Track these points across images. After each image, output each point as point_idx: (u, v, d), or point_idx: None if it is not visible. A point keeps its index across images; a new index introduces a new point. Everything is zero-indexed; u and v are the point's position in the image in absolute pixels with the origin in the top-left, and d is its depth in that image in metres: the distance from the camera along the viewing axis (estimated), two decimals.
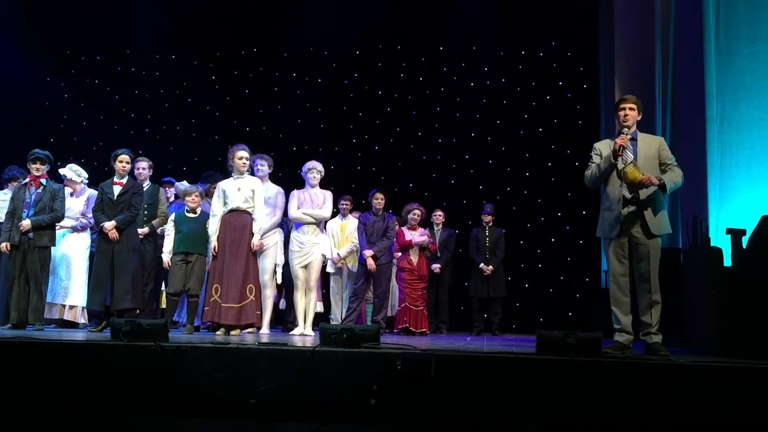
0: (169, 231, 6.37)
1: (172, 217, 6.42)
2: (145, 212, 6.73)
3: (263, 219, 6.28)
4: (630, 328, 4.67)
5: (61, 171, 7.19)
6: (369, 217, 7.33)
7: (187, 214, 6.33)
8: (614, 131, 8.74)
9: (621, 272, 4.69)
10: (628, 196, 4.66)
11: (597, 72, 10.09)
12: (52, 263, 6.86)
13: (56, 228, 6.58)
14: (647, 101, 7.06)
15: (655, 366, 3.79)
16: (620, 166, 4.69)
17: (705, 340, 5.04)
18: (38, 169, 6.39)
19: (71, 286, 6.97)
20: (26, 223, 6.21)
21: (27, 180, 6.47)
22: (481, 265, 8.38)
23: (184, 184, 7.12)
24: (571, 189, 10.09)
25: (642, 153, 4.74)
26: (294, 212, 6.62)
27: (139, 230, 6.49)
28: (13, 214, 6.34)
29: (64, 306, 6.97)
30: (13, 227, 6.28)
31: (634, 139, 4.78)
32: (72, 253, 7.03)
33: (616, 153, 4.68)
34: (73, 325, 6.97)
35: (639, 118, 4.85)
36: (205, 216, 6.37)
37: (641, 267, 4.61)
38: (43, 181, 6.43)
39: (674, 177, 4.68)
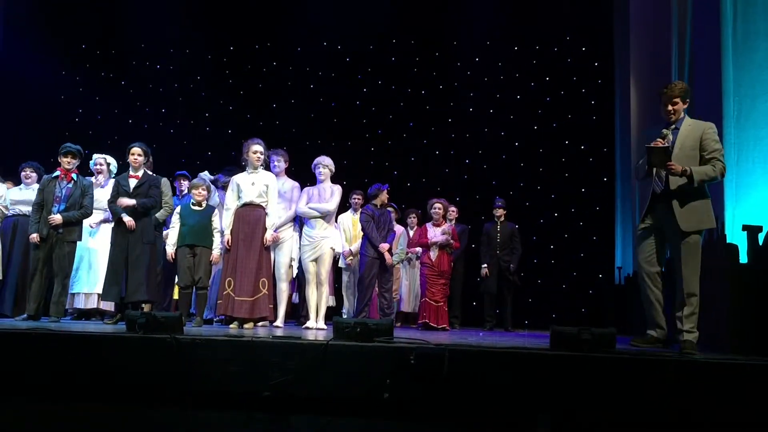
0: (174, 223, 6.38)
1: (177, 209, 6.44)
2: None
3: (276, 213, 6.31)
4: (663, 323, 4.55)
5: (104, 157, 7.23)
6: (375, 210, 7.31)
7: (193, 207, 6.35)
8: (629, 127, 8.78)
9: (650, 269, 4.59)
10: (658, 190, 4.56)
11: (612, 67, 10.04)
12: (90, 256, 6.95)
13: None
14: None
15: (669, 362, 3.77)
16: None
17: (720, 337, 5.01)
18: (70, 162, 6.38)
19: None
20: (58, 217, 6.18)
21: (57, 173, 6.42)
22: (483, 266, 8.38)
23: (206, 175, 7.14)
24: (585, 185, 10.06)
25: (680, 142, 4.54)
26: (300, 207, 6.64)
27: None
28: (41, 206, 6.28)
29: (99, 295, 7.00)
30: (42, 220, 6.24)
31: (677, 129, 4.59)
32: (101, 243, 7.04)
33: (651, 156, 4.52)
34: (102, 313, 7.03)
35: (686, 106, 4.64)
36: (210, 209, 6.41)
37: (674, 263, 4.49)
38: (74, 176, 6.41)
39: (707, 170, 4.40)
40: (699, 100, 6.20)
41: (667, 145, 4.47)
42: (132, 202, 6.16)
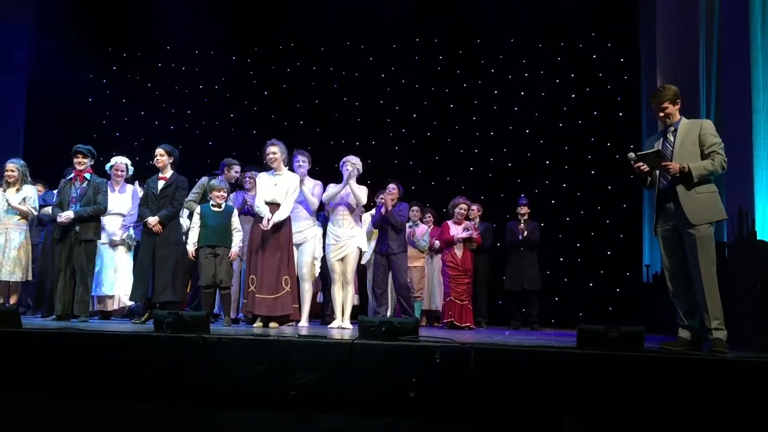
0: (195, 224, 6.43)
1: (198, 210, 6.48)
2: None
3: (287, 210, 6.25)
4: (694, 323, 4.45)
5: (125, 163, 7.36)
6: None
7: (213, 209, 6.40)
8: (655, 124, 8.64)
9: (672, 266, 4.53)
10: (663, 189, 4.52)
11: (638, 63, 9.94)
12: (114, 259, 7.10)
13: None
14: (691, 93, 6.93)
15: (698, 361, 3.72)
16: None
17: (750, 335, 4.93)
18: (80, 162, 6.54)
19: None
20: (69, 213, 6.34)
21: (72, 175, 6.60)
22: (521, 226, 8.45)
23: (254, 173, 7.17)
24: (611, 182, 9.95)
25: (679, 141, 4.51)
26: (323, 198, 6.64)
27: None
28: (60, 207, 6.47)
29: None
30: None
31: (675, 130, 4.58)
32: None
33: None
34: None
35: (678, 107, 4.61)
36: (230, 209, 6.47)
37: (689, 259, 4.38)
38: (87, 175, 6.56)
39: (705, 165, 4.36)
40: (727, 94, 6.11)
41: (657, 149, 4.49)
42: (155, 220, 6.24)
